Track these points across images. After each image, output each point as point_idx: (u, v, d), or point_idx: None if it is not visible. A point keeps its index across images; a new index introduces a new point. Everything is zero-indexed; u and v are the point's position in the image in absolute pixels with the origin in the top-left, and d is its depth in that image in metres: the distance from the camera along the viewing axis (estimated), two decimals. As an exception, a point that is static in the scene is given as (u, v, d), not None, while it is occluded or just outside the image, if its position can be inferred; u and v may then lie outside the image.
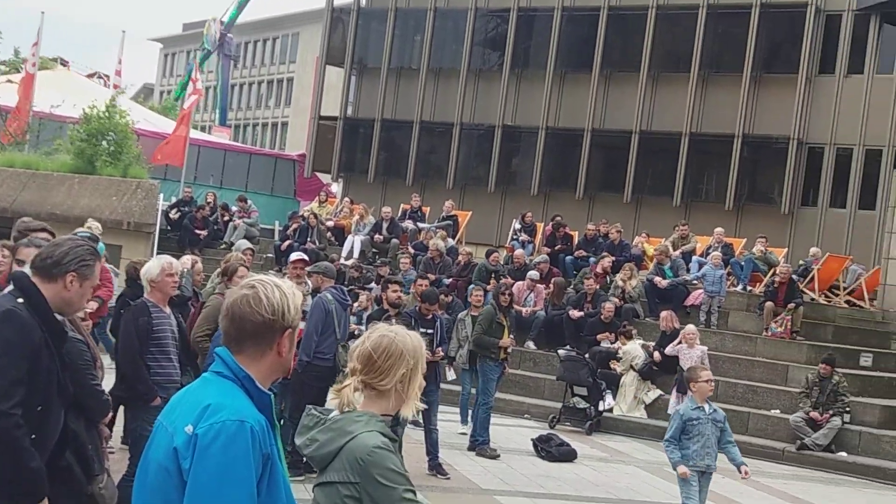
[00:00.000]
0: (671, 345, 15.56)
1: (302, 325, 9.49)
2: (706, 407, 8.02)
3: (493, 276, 18.36)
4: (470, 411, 12.93)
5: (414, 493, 3.33)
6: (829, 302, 21.15)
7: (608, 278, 18.77)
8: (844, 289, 21.65)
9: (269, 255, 22.50)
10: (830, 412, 14.49)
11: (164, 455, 2.84)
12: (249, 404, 2.88)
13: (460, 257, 19.84)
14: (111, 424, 8.70)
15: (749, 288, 19.80)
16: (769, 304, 17.60)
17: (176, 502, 2.79)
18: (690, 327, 15.44)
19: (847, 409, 14.71)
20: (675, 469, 7.98)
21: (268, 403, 2.94)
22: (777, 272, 18.16)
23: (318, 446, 3.36)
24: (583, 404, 15.23)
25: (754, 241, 21.37)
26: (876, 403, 15.41)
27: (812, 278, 20.83)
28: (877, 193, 27.11)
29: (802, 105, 28.69)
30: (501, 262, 20.00)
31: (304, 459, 4.35)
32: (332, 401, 3.43)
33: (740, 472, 8.14)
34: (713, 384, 8.24)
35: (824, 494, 12.22)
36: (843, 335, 18.38)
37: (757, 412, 15.47)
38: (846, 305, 21.18)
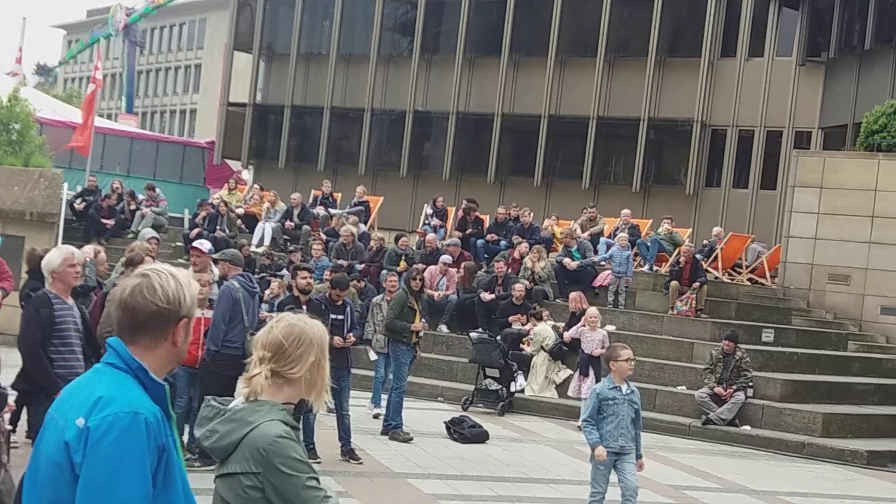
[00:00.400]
0: (573, 328, 15.75)
1: (210, 313, 9.45)
2: (623, 387, 7.86)
3: (402, 260, 18.43)
4: (385, 396, 13.00)
5: (317, 480, 3.35)
6: (733, 280, 21.73)
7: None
8: (747, 267, 22.26)
9: (179, 243, 22.21)
10: (734, 387, 14.90)
11: (54, 449, 2.76)
12: (143, 395, 2.82)
13: (372, 243, 19.87)
14: (16, 419, 8.57)
15: (655, 268, 20.22)
16: (674, 283, 17.99)
17: (67, 499, 2.71)
18: (592, 310, 15.51)
19: (750, 383, 15.14)
20: (592, 450, 7.83)
21: (162, 394, 2.89)
22: (681, 252, 18.55)
23: (219, 437, 3.36)
24: (495, 386, 15.41)
25: (660, 221, 21.80)
26: (777, 378, 15.89)
27: (716, 257, 21.36)
28: (778, 174, 27.88)
29: (705, 88, 29.31)
30: (413, 247, 20.10)
31: None
32: (242, 390, 3.42)
33: (637, 464, 7.97)
34: (633, 364, 8.06)
35: (729, 467, 12.58)
36: (746, 312, 18.89)
37: (664, 389, 15.84)
38: (749, 283, 21.79)
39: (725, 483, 11.43)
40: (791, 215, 21.16)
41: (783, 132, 28.41)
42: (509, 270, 18.43)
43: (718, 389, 14.88)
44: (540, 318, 16.87)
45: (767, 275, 22.22)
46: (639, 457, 7.97)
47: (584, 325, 15.30)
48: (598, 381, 14.62)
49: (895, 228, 19.76)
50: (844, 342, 19.17)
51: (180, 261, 18.25)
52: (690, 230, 23.85)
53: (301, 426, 10.03)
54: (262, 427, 3.30)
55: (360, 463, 10.52)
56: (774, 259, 22.30)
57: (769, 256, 22.50)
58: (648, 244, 20.48)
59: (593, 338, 14.90)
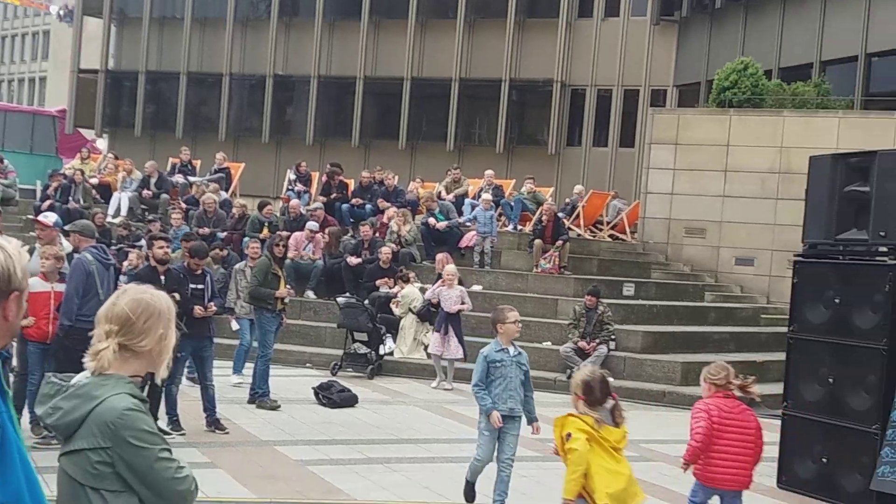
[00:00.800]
0: (431, 288, 15.78)
1: (61, 287, 9.10)
2: (511, 349, 7.64)
3: (265, 227, 18.17)
4: (253, 364, 12.81)
5: (170, 451, 3.26)
6: (594, 237, 22.19)
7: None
8: (608, 223, 22.75)
9: (30, 216, 21.34)
10: (597, 341, 15.25)
11: None
12: (-27, 370, 2.70)
13: (234, 210, 19.51)
14: None
15: (519, 227, 20.47)
16: (538, 241, 18.24)
17: None
18: (449, 268, 15.56)
19: (612, 336, 15.51)
20: (486, 415, 7.54)
21: (-6, 368, 2.77)
22: (543, 211, 18.81)
23: (62, 414, 3.23)
24: (364, 349, 15.38)
25: (523, 181, 22.06)
26: (638, 330, 16.32)
27: (578, 215, 21.76)
28: (635, 132, 28.53)
29: (564, 48, 29.70)
30: (277, 214, 19.83)
31: None
32: (89, 364, 3.29)
33: (531, 427, 7.76)
34: (520, 325, 7.84)
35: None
36: (607, 268, 19.33)
37: (529, 345, 15.93)
38: (609, 239, 22.29)
39: (590, 434, 11.68)
40: (648, 172, 21.69)
41: (640, 91, 29.05)
42: (376, 234, 18.38)
43: (582, 344, 15.20)
44: (407, 281, 16.89)
45: (627, 230, 22.77)
46: (534, 420, 7.76)
47: (442, 284, 15.26)
48: (458, 338, 14.78)
49: (746, 182, 20.47)
50: (701, 293, 19.83)
51: (31, 234, 17.55)
52: (553, 189, 24.22)
53: (164, 397, 9.88)
54: (109, 401, 3.19)
55: (227, 433, 10.36)
56: (634, 215, 22.85)
57: (629, 212, 23.04)
58: (512, 204, 20.72)
59: (451, 295, 14.89)
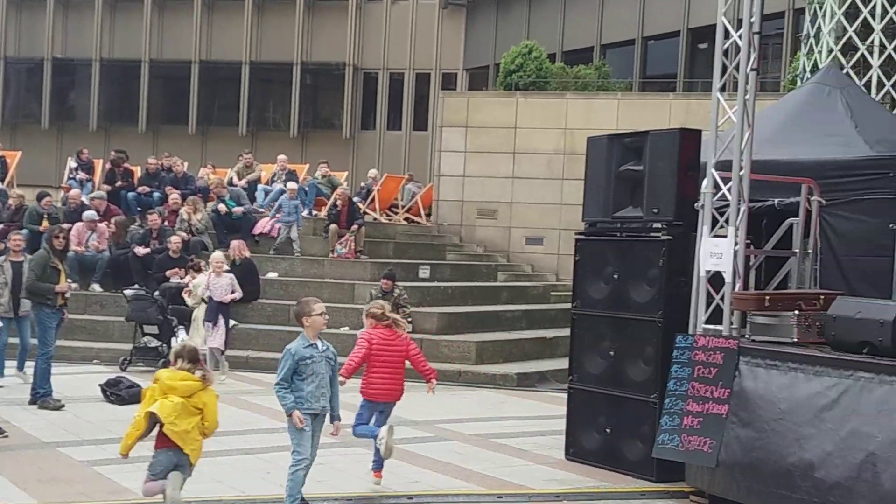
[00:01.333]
0: (200, 275, 15.37)
1: None
2: (319, 344, 7.21)
3: (45, 219, 17.31)
4: (30, 364, 12.18)
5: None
6: (390, 220, 22.32)
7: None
8: (403, 207, 22.92)
9: None
10: (394, 324, 15.33)
11: None
12: None
13: (11, 201, 18.47)
14: None
15: (314, 212, 20.32)
16: (333, 226, 18.17)
17: None
18: (217, 254, 15.08)
19: (409, 319, 15.62)
20: (288, 415, 7.13)
21: None
22: (337, 195, 18.75)
23: None
24: (154, 343, 14.89)
25: (318, 166, 21.91)
26: (434, 311, 16.51)
27: (373, 199, 21.81)
28: (428, 115, 28.85)
29: (355, 31, 29.67)
30: (58, 204, 18.92)
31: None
32: None
33: (332, 426, 7.43)
34: (327, 317, 7.50)
35: (390, 401, 12.93)
36: (403, 250, 19.48)
37: (328, 331, 15.76)
38: (405, 222, 22.48)
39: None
40: (441, 155, 21.98)
41: (431, 74, 29.38)
42: (165, 223, 17.84)
43: (379, 327, 15.25)
44: (199, 270, 16.42)
45: (422, 213, 23.02)
46: (337, 419, 7.41)
47: (212, 272, 14.80)
48: (227, 328, 14.40)
49: (533, 163, 21.07)
50: (494, 273, 20.29)
51: None
52: (347, 173, 24.19)
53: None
54: None
55: (6, 436, 9.81)
56: (428, 198, 23.12)
57: (423, 195, 23.29)
58: (307, 189, 20.53)
59: (220, 283, 14.45)
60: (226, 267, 14.91)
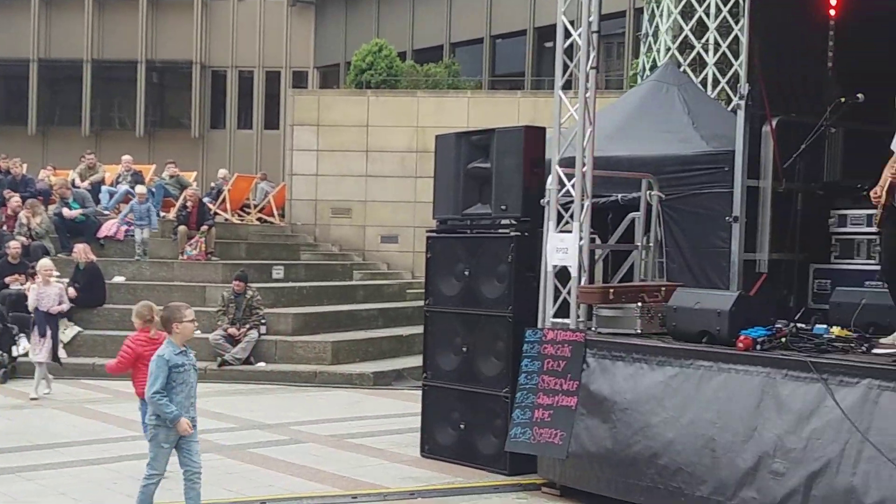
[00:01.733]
0: (24, 284, 14.62)
1: None
2: (189, 351, 6.94)
3: None
4: None
5: None
6: (242, 220, 21.98)
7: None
8: (255, 206, 22.61)
9: None
10: (247, 326, 15.11)
11: None
12: None
13: None
14: None
15: (163, 214, 19.84)
16: (182, 227, 17.77)
17: None
18: (45, 262, 14.17)
19: (263, 321, 15.44)
20: (172, 424, 6.79)
21: None
22: (187, 196, 18.35)
23: None
24: (-7, 353, 14.27)
25: (165, 166, 21.40)
26: (289, 312, 16.33)
27: (224, 199, 21.44)
28: (279, 114, 28.53)
29: (201, 29, 29.10)
30: None
31: None
32: None
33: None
34: (197, 323, 7.29)
35: (245, 405, 12.75)
36: (256, 251, 19.21)
37: (177, 335, 15.63)
38: (258, 223, 22.18)
39: (240, 421, 11.58)
40: (293, 153, 21.78)
41: (281, 72, 29.08)
42: (3, 228, 17.17)
43: (232, 330, 15.01)
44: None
45: (275, 213, 22.75)
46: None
47: (38, 279, 13.90)
48: (54, 342, 13.54)
49: (386, 162, 21.10)
50: (350, 272, 20.22)
51: None
52: (197, 173, 23.71)
53: None
54: None
55: None
56: (281, 197, 22.87)
57: (276, 195, 23.02)
58: (154, 190, 20.00)
59: (49, 293, 13.31)
60: (56, 275, 14.13)
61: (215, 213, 19.87)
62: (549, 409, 8.04)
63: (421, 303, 10.13)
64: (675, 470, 7.12)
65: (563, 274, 8.37)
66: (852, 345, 7.18)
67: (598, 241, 9.81)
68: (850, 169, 9.67)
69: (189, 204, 18.04)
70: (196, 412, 7.00)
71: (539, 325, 8.46)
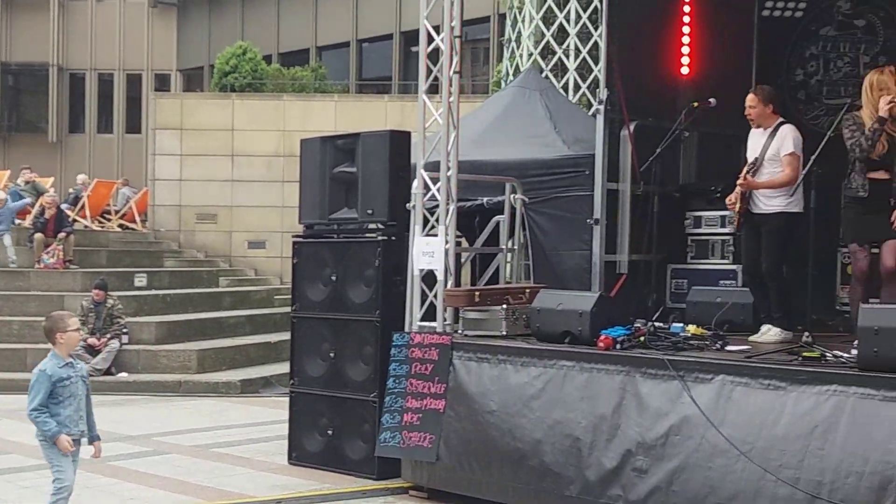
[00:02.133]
0: None
1: None
2: (74, 363, 6.58)
3: None
4: None
5: None
6: (103, 227, 21.37)
7: None
8: (116, 213, 22.02)
9: None
10: (108, 336, 14.70)
11: None
12: None
13: None
14: None
15: (18, 221, 19.14)
16: (39, 235, 17.18)
17: None
18: None
19: (124, 330, 15.02)
20: (53, 442, 6.41)
21: None
22: (44, 202, 17.77)
23: None
24: None
25: (20, 171, 20.68)
26: (152, 321, 15.94)
27: (83, 205, 20.81)
28: (141, 117, 27.86)
29: (58, 30, 28.22)
30: None
31: None
32: None
33: (93, 447, 6.73)
34: (83, 334, 6.89)
35: (106, 416, 12.24)
36: (118, 259, 18.70)
37: (34, 347, 14.98)
38: (119, 229, 21.61)
39: (100, 434, 11.22)
40: (155, 158, 21.28)
41: (142, 75, 28.41)
42: None
43: (92, 340, 14.56)
44: None
45: (138, 219, 22.21)
46: (96, 439, 6.75)
47: None
48: None
49: (253, 166, 20.82)
50: (216, 279, 19.87)
51: None
52: (55, 178, 22.97)
53: None
54: None
55: None
56: (144, 203, 22.33)
57: (138, 201, 22.47)
58: (9, 196, 19.26)
59: None
60: None
61: (74, 220, 19.25)
62: (418, 412, 8.06)
63: (289, 309, 10.02)
64: (544, 471, 7.20)
65: (429, 277, 8.40)
66: (707, 342, 7.42)
67: (464, 245, 9.88)
68: (705, 171, 10.01)
69: (47, 211, 17.45)
70: (94, 424, 6.69)
71: (406, 329, 8.46)
